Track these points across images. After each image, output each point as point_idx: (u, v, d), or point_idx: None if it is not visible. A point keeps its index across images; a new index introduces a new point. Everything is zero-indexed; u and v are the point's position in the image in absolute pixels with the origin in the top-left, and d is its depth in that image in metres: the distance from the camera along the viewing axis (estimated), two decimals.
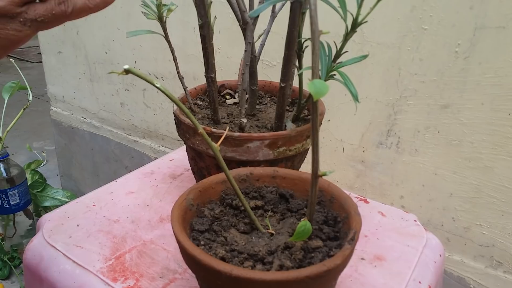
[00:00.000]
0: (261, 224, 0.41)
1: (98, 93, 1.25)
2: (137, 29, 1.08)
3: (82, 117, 1.35)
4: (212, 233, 0.38)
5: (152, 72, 1.09)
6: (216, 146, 0.38)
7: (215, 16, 0.59)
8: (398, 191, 0.77)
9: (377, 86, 0.72)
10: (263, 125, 0.58)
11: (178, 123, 0.55)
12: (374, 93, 0.73)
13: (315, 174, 0.35)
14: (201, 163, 0.56)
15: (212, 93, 0.55)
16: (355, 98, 0.45)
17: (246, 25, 0.47)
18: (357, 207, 0.38)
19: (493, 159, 0.65)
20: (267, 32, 0.60)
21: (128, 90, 1.17)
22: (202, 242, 0.36)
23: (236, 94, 0.68)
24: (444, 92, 0.65)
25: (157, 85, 0.35)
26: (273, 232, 0.40)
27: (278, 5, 0.58)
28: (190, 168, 0.63)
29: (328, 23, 0.66)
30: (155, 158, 1.21)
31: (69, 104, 1.37)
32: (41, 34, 1.32)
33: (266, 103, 0.67)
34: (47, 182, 1.51)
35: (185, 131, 0.54)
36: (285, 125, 0.56)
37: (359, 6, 0.45)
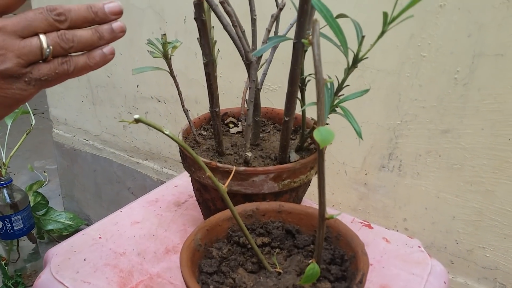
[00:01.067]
0: (268, 262, 0.41)
1: (101, 115, 1.26)
2: (140, 54, 1.09)
3: (85, 139, 1.36)
4: (220, 275, 0.39)
5: (154, 96, 1.10)
6: (224, 187, 0.39)
7: (218, 50, 0.60)
8: (401, 214, 0.77)
9: (378, 111, 0.73)
10: (267, 155, 0.59)
11: (184, 156, 0.56)
12: (375, 117, 0.74)
13: (322, 216, 0.36)
14: (207, 195, 0.57)
15: (216, 127, 0.55)
16: (359, 135, 0.46)
17: (250, 64, 0.48)
18: (363, 246, 0.39)
19: (494, 183, 0.65)
20: (269, 61, 0.62)
21: (130, 113, 1.18)
22: (211, 286, 0.36)
23: (240, 123, 0.69)
24: (444, 117, 0.66)
25: (166, 132, 0.36)
26: (280, 271, 0.40)
27: (286, 28, 0.60)
28: (194, 194, 0.64)
29: (329, 50, 0.67)
30: (158, 180, 1.21)
31: (71, 126, 1.38)
32: None
33: (269, 131, 0.68)
34: (49, 203, 1.51)
35: (190, 164, 0.55)
36: (289, 156, 0.57)
37: (360, 43, 0.47)
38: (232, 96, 0.94)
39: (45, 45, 0.35)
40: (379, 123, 0.74)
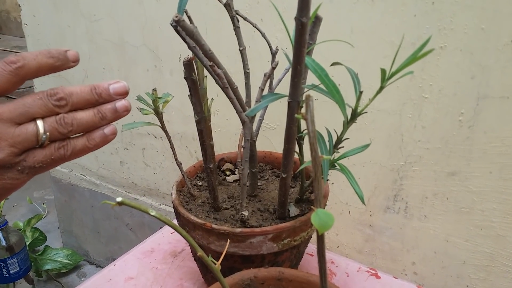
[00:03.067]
0: None
1: (97, 151, 1.24)
2: (135, 92, 1.08)
3: (82, 174, 1.33)
4: None
5: (150, 132, 1.08)
6: (217, 266, 0.36)
7: (212, 98, 0.58)
8: (410, 257, 0.74)
9: (380, 151, 0.71)
10: (266, 208, 0.56)
11: (178, 215, 0.53)
12: (377, 157, 0.71)
13: None
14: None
15: (211, 183, 0.53)
16: (361, 199, 0.43)
17: (243, 124, 0.46)
18: None
19: (505, 227, 0.62)
20: (265, 108, 0.59)
21: (127, 149, 1.16)
22: None
23: (236, 170, 0.66)
24: (450, 159, 0.64)
25: (152, 214, 0.34)
26: None
27: (274, 83, 0.57)
28: None
29: (327, 104, 0.65)
30: None
31: (68, 162, 1.36)
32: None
33: (267, 178, 0.66)
34: (48, 237, 1.48)
35: (184, 223, 0.52)
36: (288, 210, 0.54)
37: (358, 99, 0.44)
38: (229, 134, 0.92)
39: (41, 131, 0.32)
40: (382, 164, 0.71)
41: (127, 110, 0.35)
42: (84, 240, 1.45)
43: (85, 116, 0.34)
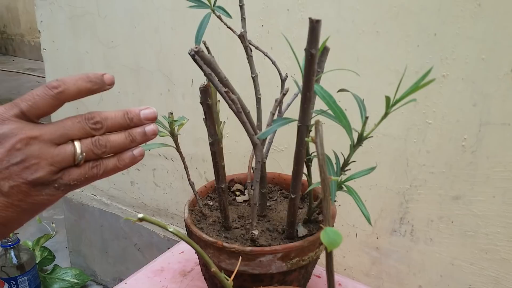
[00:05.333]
0: None
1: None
2: None
3: (93, 194, 1.36)
4: None
5: (162, 153, 1.11)
6: (229, 283, 0.38)
7: (224, 121, 0.61)
8: (416, 281, 0.74)
9: (386, 175, 0.72)
10: (274, 228, 0.58)
11: (190, 233, 0.55)
12: (383, 181, 0.73)
13: None
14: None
15: (222, 202, 0.55)
16: (368, 219, 0.45)
17: (255, 146, 0.49)
18: None
19: (509, 251, 0.63)
20: (274, 132, 0.62)
21: (138, 170, 1.19)
22: None
23: (246, 191, 0.68)
24: (454, 183, 0.65)
25: (170, 230, 0.36)
26: None
27: (284, 107, 0.60)
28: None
29: (333, 127, 0.67)
30: (165, 237, 1.20)
31: None
32: (53, 116, 1.36)
33: (276, 199, 0.68)
34: (56, 256, 1.50)
35: (196, 242, 0.54)
36: (297, 230, 0.56)
37: (364, 124, 0.47)
38: (238, 156, 0.94)
39: (78, 152, 0.35)
40: (388, 187, 0.73)
41: (154, 134, 0.38)
42: (92, 260, 1.46)
43: (117, 138, 0.37)
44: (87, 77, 0.36)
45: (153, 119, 0.39)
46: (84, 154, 0.35)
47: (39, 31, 1.26)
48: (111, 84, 0.37)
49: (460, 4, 0.58)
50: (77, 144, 0.35)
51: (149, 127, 0.38)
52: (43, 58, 1.29)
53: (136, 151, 0.38)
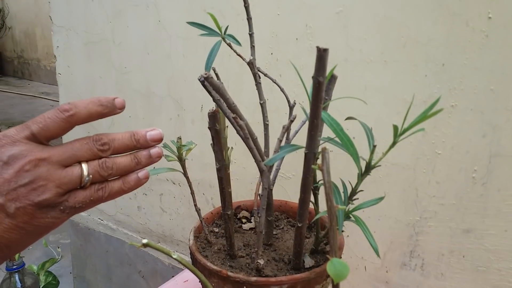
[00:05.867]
0: None
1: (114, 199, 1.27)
2: None
3: (99, 218, 1.36)
4: None
5: (169, 178, 1.11)
6: None
7: (231, 147, 0.61)
8: None
9: (395, 205, 0.71)
10: (280, 258, 0.57)
11: (194, 261, 0.54)
12: (393, 212, 0.72)
13: None
14: None
15: (228, 230, 0.54)
16: (376, 251, 0.44)
17: (262, 173, 0.48)
18: None
19: None
20: (282, 158, 0.62)
21: (146, 194, 1.19)
22: None
23: (252, 218, 0.68)
24: (465, 216, 0.64)
25: (174, 256, 0.35)
26: None
27: (291, 134, 0.60)
28: None
29: (342, 155, 0.67)
30: (169, 264, 1.18)
31: None
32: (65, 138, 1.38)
33: (282, 227, 0.67)
34: (60, 282, 1.48)
35: (200, 270, 0.53)
36: (303, 261, 0.55)
37: (371, 152, 0.46)
38: (245, 182, 0.94)
39: (85, 174, 0.35)
40: (397, 218, 0.72)
41: (159, 157, 0.39)
42: (95, 286, 1.44)
43: (123, 161, 0.37)
44: (98, 101, 0.36)
45: (159, 141, 0.39)
46: (90, 176, 0.35)
47: (55, 56, 1.29)
48: (122, 108, 0.38)
49: (467, 35, 0.58)
50: (84, 166, 0.35)
51: (154, 150, 0.39)
52: (58, 82, 1.32)
53: (141, 174, 0.38)
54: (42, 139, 0.35)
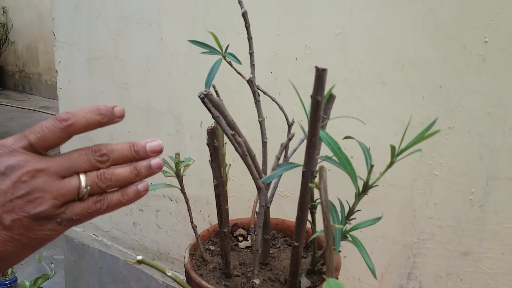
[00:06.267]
0: None
1: (112, 211, 1.26)
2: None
3: (94, 234, 1.34)
4: None
5: (166, 194, 1.11)
6: None
7: (229, 164, 0.61)
8: None
9: (393, 226, 0.71)
10: (276, 278, 0.56)
11: (189, 279, 0.53)
12: (390, 232, 0.71)
13: None
14: None
15: (224, 248, 0.54)
16: (373, 272, 0.43)
17: (259, 190, 0.48)
18: None
19: None
20: (279, 176, 0.62)
21: (142, 210, 1.18)
22: None
23: (249, 236, 0.67)
24: (462, 238, 0.63)
25: (168, 274, 0.35)
26: None
27: (289, 152, 0.61)
28: None
29: (339, 174, 0.67)
30: (163, 283, 1.16)
31: None
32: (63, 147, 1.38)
33: (279, 246, 0.66)
34: None
35: None
36: (299, 281, 0.54)
37: (369, 172, 0.47)
38: (243, 200, 0.94)
39: (83, 185, 0.34)
40: (395, 239, 0.71)
41: (159, 168, 0.38)
42: None
43: (122, 172, 0.36)
44: (97, 110, 0.36)
45: (159, 152, 0.38)
46: (88, 187, 0.34)
47: (56, 71, 1.30)
48: (121, 116, 0.37)
49: (464, 58, 0.59)
50: (82, 177, 0.35)
51: (155, 161, 0.37)
52: (58, 97, 1.33)
53: (141, 186, 0.37)
54: (40, 149, 0.34)
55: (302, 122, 0.75)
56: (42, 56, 5.34)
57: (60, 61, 1.28)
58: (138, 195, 0.37)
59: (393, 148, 0.44)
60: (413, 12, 0.62)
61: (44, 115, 4.57)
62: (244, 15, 0.49)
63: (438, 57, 0.61)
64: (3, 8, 5.54)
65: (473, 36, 0.58)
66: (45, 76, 5.38)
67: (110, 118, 0.36)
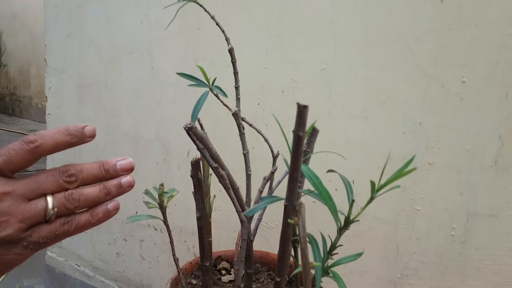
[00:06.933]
0: None
1: (96, 241, 1.24)
2: (144, 185, 1.11)
3: (76, 264, 1.31)
4: None
5: (151, 224, 1.09)
6: None
7: (214, 195, 0.61)
8: None
9: (377, 261, 0.71)
10: None
11: None
12: (374, 267, 0.71)
13: None
14: None
15: (205, 283, 0.53)
16: None
17: (242, 223, 0.48)
18: None
19: None
20: (264, 208, 0.62)
21: (126, 240, 1.16)
22: None
23: (232, 270, 0.66)
24: (445, 275, 0.64)
25: None
26: None
27: (274, 184, 0.61)
28: None
29: (321, 207, 0.68)
30: None
31: (65, 250, 1.34)
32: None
33: (262, 280, 0.65)
34: None
35: None
36: None
37: (350, 206, 0.47)
38: (229, 230, 0.93)
39: (50, 207, 0.34)
40: (379, 274, 0.71)
41: (130, 186, 0.37)
42: None
43: (91, 192, 0.35)
44: (66, 130, 0.35)
45: (130, 170, 0.37)
46: (55, 209, 0.34)
47: (46, 96, 1.31)
48: (92, 136, 0.36)
49: (443, 97, 0.61)
50: (49, 199, 0.34)
51: (125, 179, 0.36)
52: (46, 122, 1.33)
53: (111, 205, 0.36)
54: (7, 172, 0.34)
55: (287, 154, 0.76)
56: (34, 79, 5.35)
57: (50, 87, 1.29)
58: (108, 215, 0.36)
59: (373, 184, 0.45)
60: (394, 51, 0.65)
61: None
62: (231, 51, 0.51)
63: (418, 94, 0.63)
64: None
65: (451, 76, 0.60)
66: (36, 99, 5.36)
67: (80, 138, 0.35)
